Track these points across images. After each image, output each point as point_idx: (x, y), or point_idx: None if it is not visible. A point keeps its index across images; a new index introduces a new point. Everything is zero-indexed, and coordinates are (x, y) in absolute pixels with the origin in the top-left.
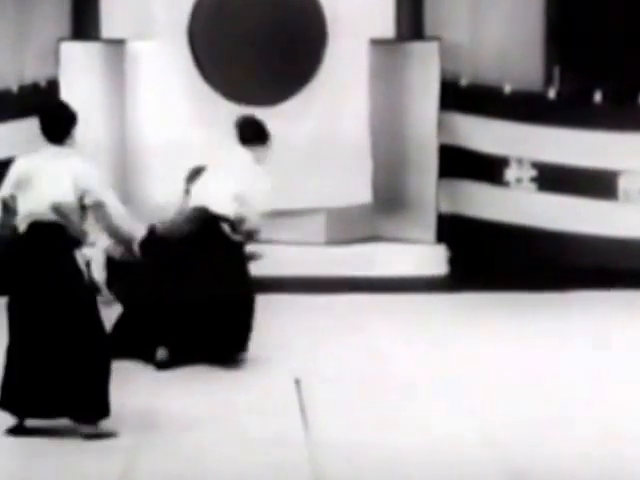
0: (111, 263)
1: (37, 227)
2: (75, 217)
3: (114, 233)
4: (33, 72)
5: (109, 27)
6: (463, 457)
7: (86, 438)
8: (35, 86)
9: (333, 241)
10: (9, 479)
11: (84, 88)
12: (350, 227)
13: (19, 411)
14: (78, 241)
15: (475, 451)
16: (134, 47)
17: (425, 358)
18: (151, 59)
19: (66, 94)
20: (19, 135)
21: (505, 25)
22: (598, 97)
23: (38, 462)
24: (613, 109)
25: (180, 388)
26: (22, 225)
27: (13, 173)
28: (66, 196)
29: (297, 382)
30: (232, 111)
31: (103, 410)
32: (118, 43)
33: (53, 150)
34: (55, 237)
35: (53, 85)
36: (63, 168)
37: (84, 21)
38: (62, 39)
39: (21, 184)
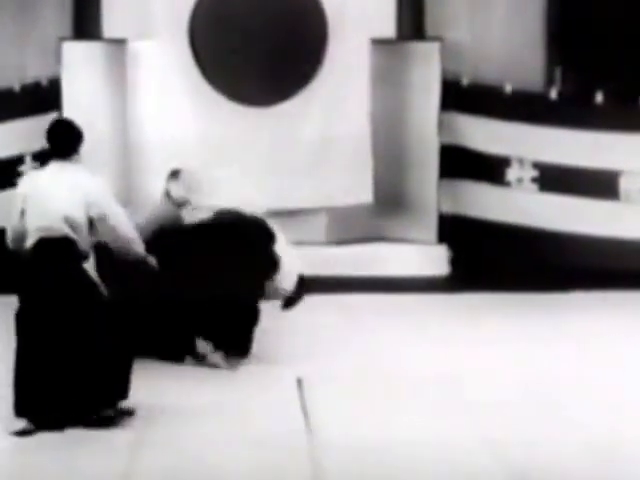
0: (100, 264)
1: (46, 241)
2: (84, 231)
3: (121, 247)
4: (35, 71)
5: (110, 27)
6: (464, 457)
7: (101, 423)
8: (37, 85)
9: (334, 241)
10: (10, 476)
11: (86, 87)
12: (351, 227)
13: (36, 420)
14: (86, 254)
15: (476, 451)
16: (135, 46)
17: (426, 358)
18: (152, 59)
19: (68, 93)
20: (21, 133)
21: (506, 25)
22: (599, 97)
23: (39, 459)
24: (614, 109)
25: (181, 386)
26: (31, 240)
27: (21, 191)
28: (75, 210)
29: (299, 381)
30: (233, 110)
31: (122, 392)
32: (119, 42)
33: (60, 165)
34: (64, 251)
35: (55, 84)
36: (71, 183)
37: (85, 21)
38: (64, 38)
39: (29, 200)
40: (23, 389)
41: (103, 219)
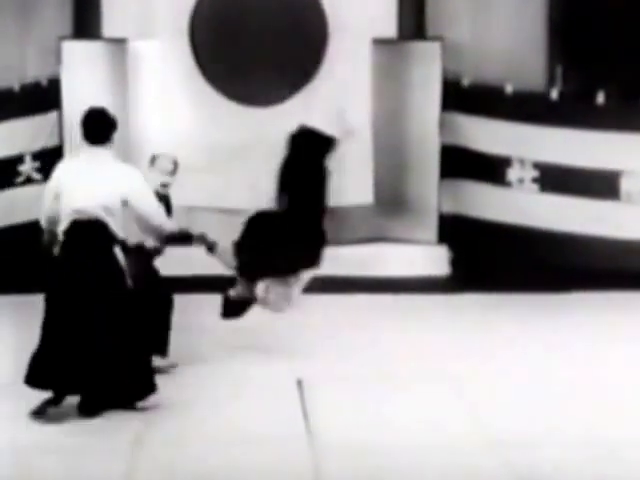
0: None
1: (79, 224)
2: (118, 216)
3: (153, 232)
4: (35, 71)
5: (111, 26)
6: (465, 458)
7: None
8: (37, 85)
9: (334, 241)
10: (11, 476)
11: (86, 87)
12: (351, 227)
13: (52, 386)
14: (118, 239)
15: (478, 452)
16: (136, 46)
17: (427, 359)
18: (153, 58)
19: (68, 93)
20: (21, 133)
21: (508, 25)
22: (601, 97)
23: (40, 459)
24: (616, 109)
25: (182, 387)
26: (64, 222)
27: (56, 178)
28: (111, 199)
29: (299, 382)
30: (233, 110)
31: (143, 391)
32: (120, 42)
33: (94, 153)
34: (97, 234)
35: (55, 84)
36: (107, 172)
37: (86, 20)
38: (64, 38)
39: (66, 186)
40: (40, 361)
41: (136, 209)
